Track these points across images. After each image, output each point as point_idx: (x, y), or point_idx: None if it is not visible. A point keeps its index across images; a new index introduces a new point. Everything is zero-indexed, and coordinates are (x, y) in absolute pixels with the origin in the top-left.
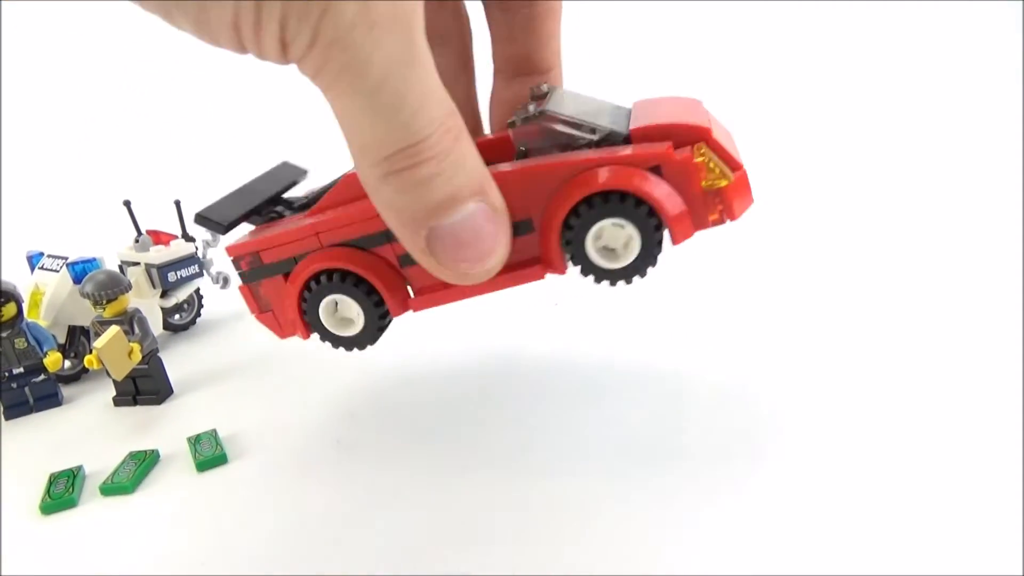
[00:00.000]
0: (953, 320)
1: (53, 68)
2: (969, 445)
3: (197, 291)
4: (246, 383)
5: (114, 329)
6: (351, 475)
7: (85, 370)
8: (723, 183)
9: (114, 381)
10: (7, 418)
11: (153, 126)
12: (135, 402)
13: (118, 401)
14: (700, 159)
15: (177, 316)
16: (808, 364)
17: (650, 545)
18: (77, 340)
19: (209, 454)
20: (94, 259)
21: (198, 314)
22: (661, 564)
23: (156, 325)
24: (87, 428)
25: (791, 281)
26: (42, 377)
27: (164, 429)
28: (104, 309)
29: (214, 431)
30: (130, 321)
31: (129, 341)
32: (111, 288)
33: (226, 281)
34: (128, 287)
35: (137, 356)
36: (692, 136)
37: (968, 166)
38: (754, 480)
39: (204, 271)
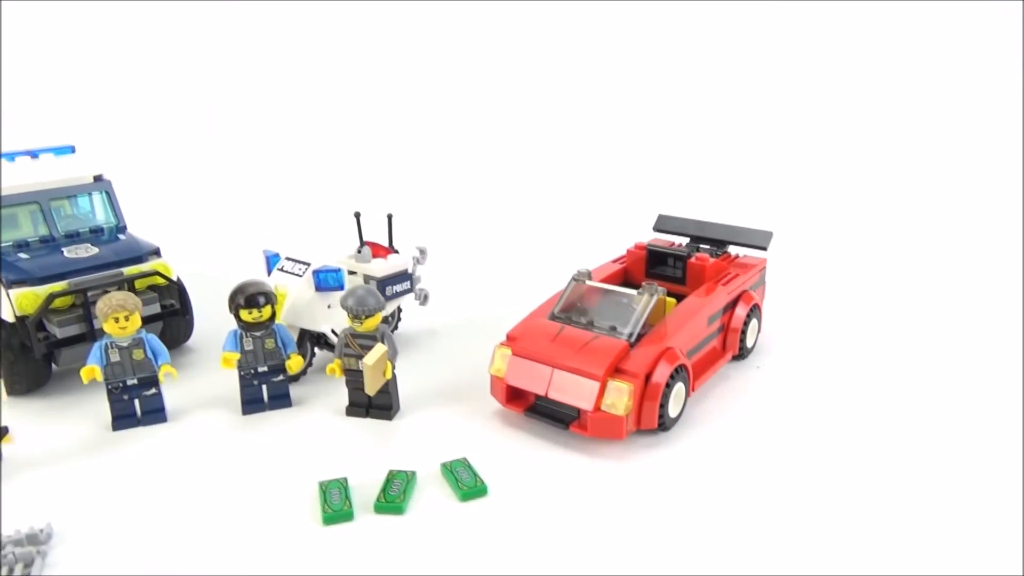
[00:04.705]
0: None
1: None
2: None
3: (398, 306)
4: (469, 406)
5: (381, 347)
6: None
7: (303, 372)
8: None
9: (350, 391)
10: (244, 413)
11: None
12: (367, 414)
13: (351, 411)
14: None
15: None
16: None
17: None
18: (305, 344)
19: (470, 484)
20: (338, 269)
21: (395, 327)
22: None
23: None
24: (322, 434)
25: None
26: (280, 377)
27: (402, 446)
28: (361, 324)
29: (465, 459)
30: (381, 337)
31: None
32: (371, 305)
33: (426, 298)
34: (383, 306)
35: (390, 373)
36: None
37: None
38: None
39: (413, 287)
